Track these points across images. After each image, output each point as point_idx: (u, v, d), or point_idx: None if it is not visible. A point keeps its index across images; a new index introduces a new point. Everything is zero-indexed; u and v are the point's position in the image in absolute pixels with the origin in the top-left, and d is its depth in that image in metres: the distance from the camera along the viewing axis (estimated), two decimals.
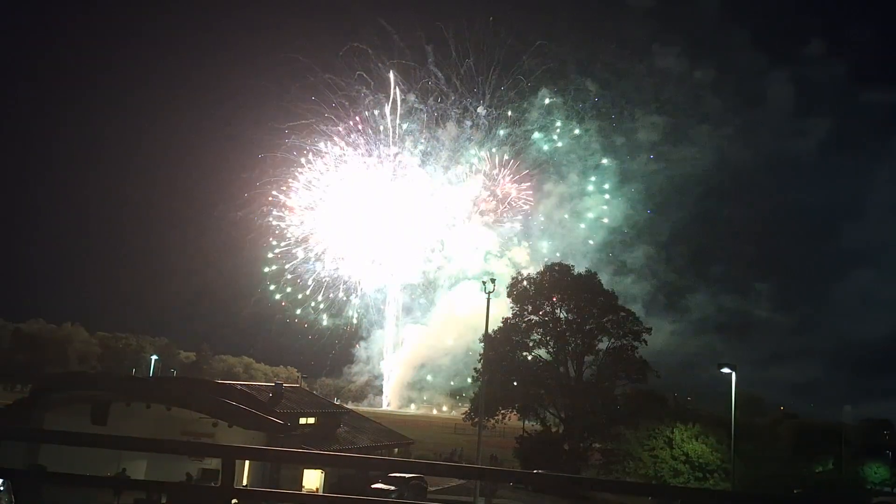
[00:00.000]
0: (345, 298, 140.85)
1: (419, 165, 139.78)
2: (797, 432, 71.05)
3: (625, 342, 63.69)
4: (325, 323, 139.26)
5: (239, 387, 45.33)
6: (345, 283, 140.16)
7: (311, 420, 46.28)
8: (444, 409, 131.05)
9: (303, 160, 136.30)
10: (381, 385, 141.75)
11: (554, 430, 64.52)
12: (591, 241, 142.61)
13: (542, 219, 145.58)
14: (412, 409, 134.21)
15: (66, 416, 35.67)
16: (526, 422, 69.26)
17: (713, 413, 54.63)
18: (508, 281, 67.92)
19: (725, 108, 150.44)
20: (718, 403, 51.25)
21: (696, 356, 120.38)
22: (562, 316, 64.80)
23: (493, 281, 42.84)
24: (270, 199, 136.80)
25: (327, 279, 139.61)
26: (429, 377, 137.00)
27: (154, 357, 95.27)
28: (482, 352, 55.51)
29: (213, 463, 32.68)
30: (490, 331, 52.45)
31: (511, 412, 65.73)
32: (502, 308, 64.73)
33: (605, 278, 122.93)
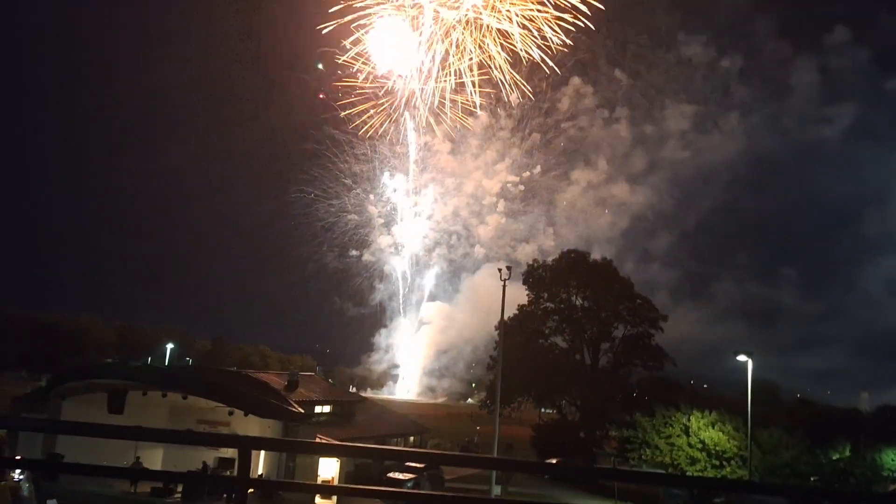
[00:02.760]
0: (369, 286, 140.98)
1: (449, 153, 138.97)
2: (814, 419, 70.44)
3: (641, 329, 63.26)
4: (350, 312, 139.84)
5: (254, 375, 45.39)
6: (372, 270, 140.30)
7: (327, 409, 46.32)
8: (464, 397, 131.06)
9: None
10: (402, 372, 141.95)
11: (570, 418, 64.26)
12: (616, 228, 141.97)
13: (567, 205, 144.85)
14: (431, 397, 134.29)
15: (83, 405, 35.87)
16: (542, 410, 69.04)
17: (732, 400, 54.20)
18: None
19: (752, 96, 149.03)
20: (739, 391, 50.87)
21: (721, 343, 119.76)
22: (577, 303, 64.43)
23: (508, 268, 42.47)
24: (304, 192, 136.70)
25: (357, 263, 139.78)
26: (448, 364, 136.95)
27: (170, 346, 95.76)
28: (497, 340, 55.29)
29: (230, 452, 32.70)
30: (506, 318, 52.19)
31: (527, 400, 65.49)
32: (523, 294, 64.75)
33: (629, 266, 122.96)
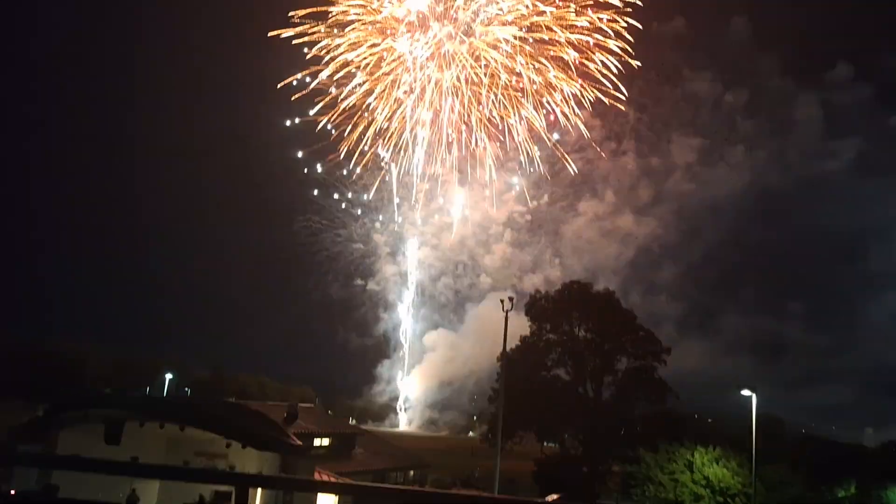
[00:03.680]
0: (373, 316, 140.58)
1: (457, 182, 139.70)
2: (820, 455, 69.57)
3: (644, 363, 62.76)
4: (353, 343, 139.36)
5: (253, 407, 44.92)
6: (377, 299, 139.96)
7: (326, 441, 45.76)
8: (466, 430, 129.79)
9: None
10: (403, 405, 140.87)
11: (573, 452, 63.46)
12: (622, 260, 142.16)
13: (573, 236, 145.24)
14: (433, 430, 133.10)
15: (79, 435, 35.40)
16: (544, 444, 68.21)
17: (736, 435, 53.58)
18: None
19: (757, 130, 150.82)
20: (743, 425, 50.36)
21: (726, 377, 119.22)
22: (580, 335, 64.02)
23: (511, 299, 42.28)
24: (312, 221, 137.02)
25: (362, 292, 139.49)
26: (451, 397, 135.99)
27: (169, 376, 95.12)
28: (499, 371, 54.86)
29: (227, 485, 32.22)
30: (509, 349, 51.86)
31: (529, 434, 64.75)
32: (527, 324, 64.46)
33: (635, 297, 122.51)
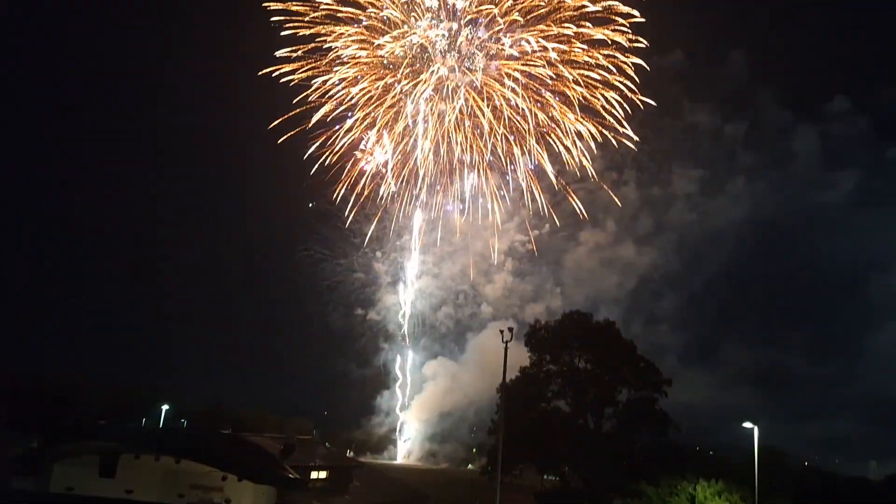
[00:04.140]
0: (373, 346, 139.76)
1: (461, 212, 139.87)
2: (823, 489, 68.85)
3: (644, 394, 62.22)
4: (353, 374, 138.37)
5: (250, 439, 44.43)
6: (377, 329, 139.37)
7: (323, 474, 45.21)
8: (466, 462, 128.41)
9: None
10: (403, 436, 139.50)
11: (573, 485, 62.63)
12: (623, 289, 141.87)
13: (574, 265, 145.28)
14: (432, 462, 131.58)
15: (74, 468, 35.04)
16: (544, 477, 67.36)
17: (738, 468, 53.02)
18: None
19: (757, 161, 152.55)
20: (745, 458, 49.90)
21: (728, 409, 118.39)
22: (580, 366, 63.58)
23: (510, 330, 42.05)
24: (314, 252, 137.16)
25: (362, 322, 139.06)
26: (451, 429, 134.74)
27: (165, 407, 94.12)
28: (499, 402, 54.37)
29: None
30: (509, 379, 51.45)
31: (529, 466, 63.96)
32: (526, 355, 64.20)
33: (636, 327, 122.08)
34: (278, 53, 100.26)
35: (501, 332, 42.69)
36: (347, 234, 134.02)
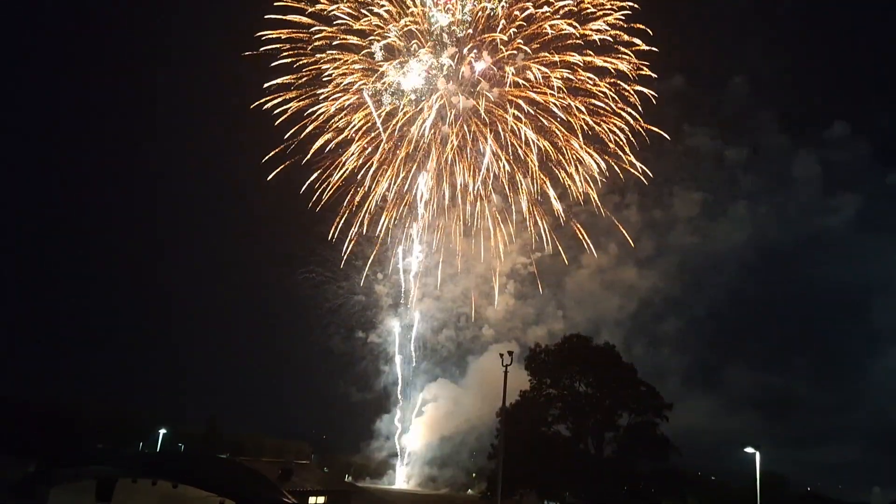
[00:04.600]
0: (374, 369, 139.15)
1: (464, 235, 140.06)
2: None
3: (645, 418, 61.80)
4: (353, 397, 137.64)
5: (248, 463, 44.10)
6: (378, 352, 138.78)
7: (321, 499, 44.82)
8: (465, 487, 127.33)
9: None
10: (403, 460, 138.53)
11: None
12: (625, 312, 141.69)
13: (576, 288, 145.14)
14: (432, 487, 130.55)
15: (71, 493, 34.76)
16: (545, 502, 66.77)
17: (740, 493, 52.59)
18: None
19: (758, 186, 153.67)
20: (747, 484, 49.50)
21: (730, 433, 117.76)
22: (581, 389, 63.25)
23: (510, 353, 41.90)
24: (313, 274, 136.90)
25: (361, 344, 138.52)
26: (451, 453, 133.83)
27: (163, 431, 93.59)
28: (499, 426, 54.02)
29: None
30: (509, 403, 51.16)
31: (529, 492, 63.39)
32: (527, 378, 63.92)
33: (639, 350, 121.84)
34: (273, 82, 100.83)
35: (501, 355, 42.54)
36: (351, 258, 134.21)
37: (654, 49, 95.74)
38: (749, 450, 47.51)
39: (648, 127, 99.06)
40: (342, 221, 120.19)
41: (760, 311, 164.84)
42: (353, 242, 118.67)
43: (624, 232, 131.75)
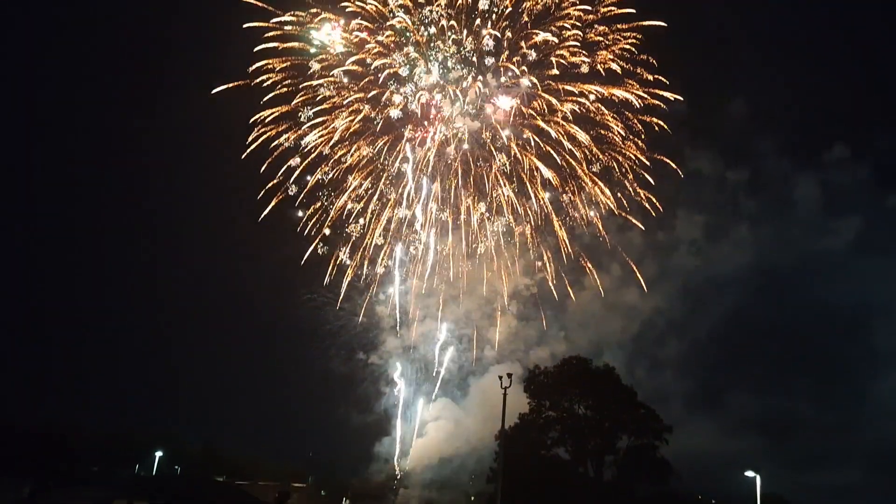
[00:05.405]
0: (375, 391, 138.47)
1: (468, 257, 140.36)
2: None
3: (645, 441, 61.41)
4: (353, 419, 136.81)
5: (244, 487, 43.79)
6: (378, 373, 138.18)
7: None
8: None
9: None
10: (403, 483, 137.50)
11: None
12: (627, 334, 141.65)
13: (578, 309, 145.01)
14: None
15: None
16: None
17: None
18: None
19: (759, 208, 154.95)
20: None
21: (735, 456, 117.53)
22: (580, 412, 62.90)
23: (509, 375, 41.74)
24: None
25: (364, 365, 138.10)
26: (450, 476, 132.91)
27: (159, 453, 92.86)
28: (497, 449, 53.64)
29: None
30: (508, 426, 50.86)
31: None
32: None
33: (641, 373, 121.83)
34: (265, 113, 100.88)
35: (500, 377, 42.36)
36: (354, 280, 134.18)
37: (662, 79, 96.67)
38: (749, 473, 47.27)
39: (658, 157, 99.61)
40: (340, 258, 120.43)
41: (762, 332, 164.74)
42: (349, 278, 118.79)
43: (631, 262, 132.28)
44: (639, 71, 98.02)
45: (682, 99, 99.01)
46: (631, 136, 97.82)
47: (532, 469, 59.95)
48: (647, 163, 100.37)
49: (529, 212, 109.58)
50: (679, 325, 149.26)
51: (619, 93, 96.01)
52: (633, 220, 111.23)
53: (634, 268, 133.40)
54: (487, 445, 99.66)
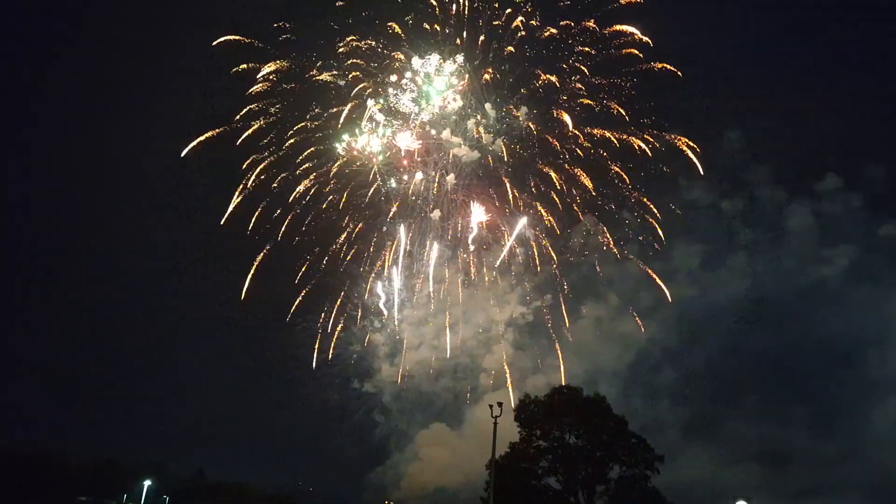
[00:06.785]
0: (369, 420, 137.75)
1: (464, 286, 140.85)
2: None
3: (637, 471, 61.22)
4: (346, 449, 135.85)
5: None
6: (372, 402, 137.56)
7: None
8: None
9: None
10: None
11: None
12: (623, 363, 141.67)
13: (575, 338, 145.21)
14: None
15: None
16: None
17: None
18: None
19: (753, 238, 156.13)
20: None
21: (732, 486, 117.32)
22: (571, 441, 62.72)
23: (500, 405, 41.79)
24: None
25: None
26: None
27: (147, 482, 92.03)
28: (488, 479, 53.41)
29: None
30: (499, 456, 50.70)
31: None
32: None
33: (637, 402, 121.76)
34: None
35: (491, 406, 42.40)
36: (347, 301, 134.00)
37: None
38: (742, 503, 47.32)
39: (652, 202, 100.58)
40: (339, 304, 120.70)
41: (757, 362, 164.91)
42: (342, 321, 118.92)
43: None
44: (642, 119, 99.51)
45: (688, 141, 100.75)
46: (630, 183, 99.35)
47: (523, 499, 59.67)
48: (650, 204, 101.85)
49: (533, 244, 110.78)
50: (675, 353, 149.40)
51: (624, 140, 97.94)
52: (633, 258, 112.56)
53: (631, 308, 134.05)
54: (482, 474, 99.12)
